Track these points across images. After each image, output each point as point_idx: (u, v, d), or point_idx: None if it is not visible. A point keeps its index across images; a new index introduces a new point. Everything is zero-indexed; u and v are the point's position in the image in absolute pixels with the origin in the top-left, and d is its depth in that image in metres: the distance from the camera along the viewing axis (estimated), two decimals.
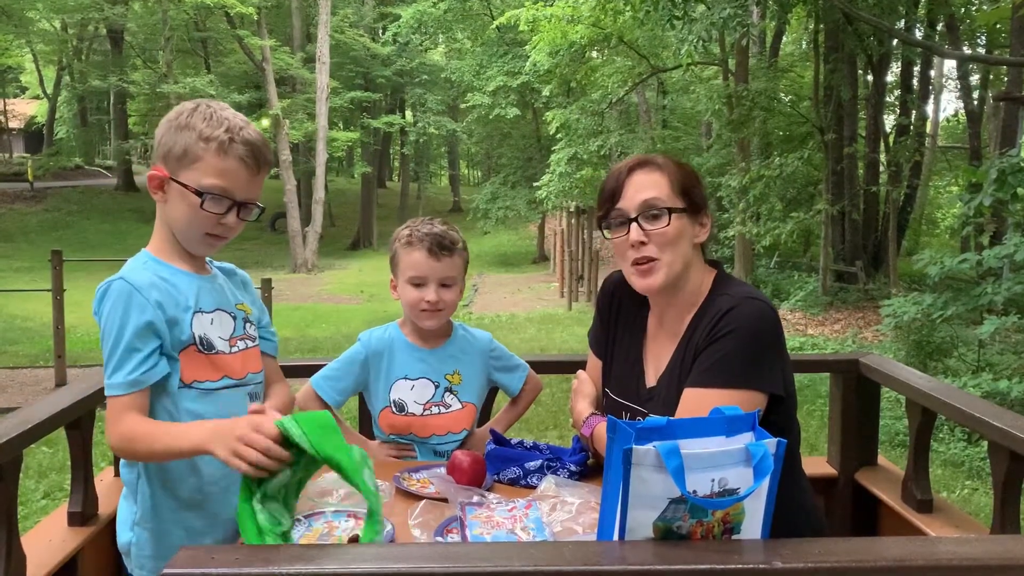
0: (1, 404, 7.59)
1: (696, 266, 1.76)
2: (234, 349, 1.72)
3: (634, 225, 1.69)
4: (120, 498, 1.79)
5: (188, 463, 1.66)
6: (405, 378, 2.14)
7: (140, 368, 1.57)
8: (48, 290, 8.44)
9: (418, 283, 2.09)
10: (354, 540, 1.53)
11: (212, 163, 1.60)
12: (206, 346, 1.66)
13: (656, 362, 1.79)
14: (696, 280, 1.75)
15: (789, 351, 1.78)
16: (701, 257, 1.78)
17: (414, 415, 2.13)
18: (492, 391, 2.37)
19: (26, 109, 40.97)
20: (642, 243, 1.69)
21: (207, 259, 1.78)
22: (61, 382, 7.89)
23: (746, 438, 1.29)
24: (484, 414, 2.37)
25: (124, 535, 1.73)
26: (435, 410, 2.13)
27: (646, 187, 1.70)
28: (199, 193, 1.60)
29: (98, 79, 28.28)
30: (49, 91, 35.80)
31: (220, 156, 1.59)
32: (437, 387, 2.14)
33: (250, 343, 1.76)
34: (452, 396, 2.15)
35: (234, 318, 1.74)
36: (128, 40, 30.22)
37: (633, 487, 1.20)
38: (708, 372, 1.62)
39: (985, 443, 6.17)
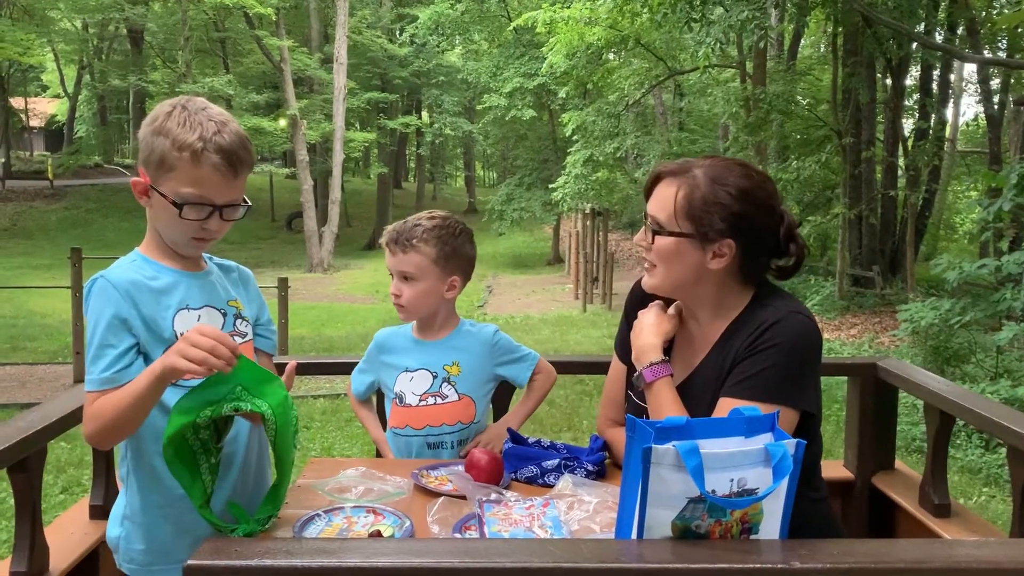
0: (21, 399, 7.68)
1: (713, 287, 1.71)
2: None
3: (643, 228, 1.74)
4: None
5: None
6: (406, 370, 2.17)
7: (113, 366, 1.57)
8: (67, 287, 8.53)
9: (391, 276, 2.17)
10: (375, 535, 1.55)
11: (187, 172, 1.59)
12: None
13: (683, 365, 1.78)
14: (717, 297, 1.72)
15: None
16: (735, 278, 1.70)
17: (411, 406, 2.15)
18: (503, 390, 2.35)
19: (47, 108, 41.36)
20: (645, 247, 1.73)
21: (204, 255, 1.79)
22: (79, 378, 7.97)
23: (765, 439, 1.30)
24: (498, 411, 2.38)
25: (113, 530, 1.74)
26: (431, 400, 2.14)
27: (656, 200, 1.71)
28: (176, 203, 1.60)
29: (118, 78, 28.55)
30: (70, 90, 36.17)
31: (194, 165, 1.58)
32: (435, 377, 2.15)
33: (239, 339, 1.75)
34: (449, 387, 2.15)
35: (224, 315, 1.74)
36: (148, 40, 30.46)
37: (652, 486, 1.21)
38: (746, 384, 1.61)
39: (1003, 450, 6.13)
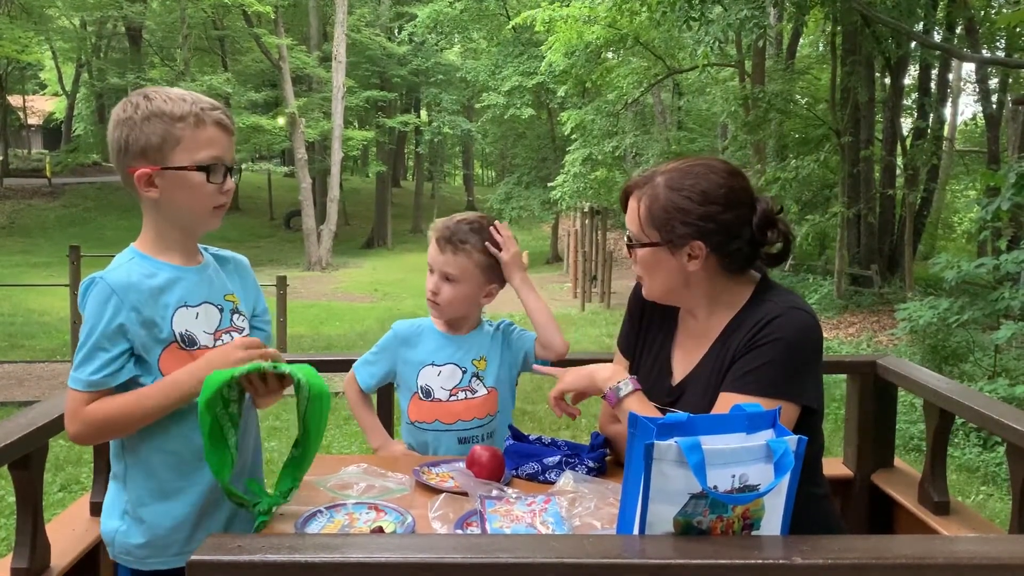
0: (19, 397, 7.68)
1: (704, 286, 1.72)
2: (218, 343, 1.72)
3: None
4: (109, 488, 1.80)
5: (172, 455, 1.68)
6: (432, 364, 2.16)
7: (104, 370, 1.59)
8: (65, 285, 8.54)
9: (431, 270, 2.15)
10: (377, 531, 1.55)
11: (194, 137, 1.62)
12: (188, 342, 1.66)
13: (684, 361, 1.79)
14: (711, 294, 1.73)
15: None
16: (722, 274, 1.71)
17: (440, 400, 2.14)
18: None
19: (45, 106, 41.25)
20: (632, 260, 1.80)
21: (200, 247, 1.79)
22: None
23: (767, 435, 1.30)
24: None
25: (111, 523, 1.74)
26: (461, 395, 2.14)
27: (628, 214, 1.77)
28: (201, 168, 1.63)
29: (116, 76, 28.44)
30: (68, 88, 36.07)
31: (199, 128, 1.62)
32: (464, 372, 2.16)
33: (236, 335, 1.76)
34: (478, 381, 2.16)
35: (221, 311, 1.75)
36: (146, 38, 30.42)
37: (654, 482, 1.21)
38: (746, 379, 1.61)
39: (1001, 449, 6.14)
